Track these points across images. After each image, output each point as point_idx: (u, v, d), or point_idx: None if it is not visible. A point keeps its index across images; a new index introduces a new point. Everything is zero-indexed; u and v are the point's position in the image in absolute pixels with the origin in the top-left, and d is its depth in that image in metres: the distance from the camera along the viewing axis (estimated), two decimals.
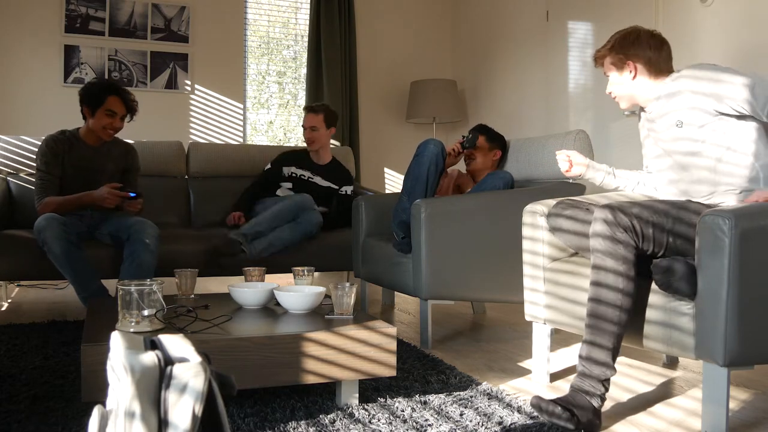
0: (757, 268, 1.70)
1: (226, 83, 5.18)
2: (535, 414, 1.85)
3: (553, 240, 2.26)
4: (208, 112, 5.13)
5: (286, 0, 5.47)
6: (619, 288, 1.81)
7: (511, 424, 1.79)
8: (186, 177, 4.27)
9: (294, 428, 1.74)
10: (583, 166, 2.39)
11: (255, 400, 1.95)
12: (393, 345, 1.92)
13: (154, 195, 3.93)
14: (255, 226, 3.52)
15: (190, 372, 0.94)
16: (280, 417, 1.81)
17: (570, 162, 2.38)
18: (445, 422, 1.80)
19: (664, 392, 2.19)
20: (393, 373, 1.93)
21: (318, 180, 4.00)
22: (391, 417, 1.83)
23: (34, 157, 3.46)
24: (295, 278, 2.53)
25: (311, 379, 1.85)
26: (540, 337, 2.30)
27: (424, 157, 2.94)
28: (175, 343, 1.02)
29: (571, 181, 3.01)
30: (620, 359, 2.57)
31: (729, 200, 2.01)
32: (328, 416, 1.83)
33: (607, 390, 1.82)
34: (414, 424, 1.78)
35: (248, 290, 2.17)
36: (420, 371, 2.31)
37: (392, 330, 1.92)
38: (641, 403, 2.06)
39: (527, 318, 2.33)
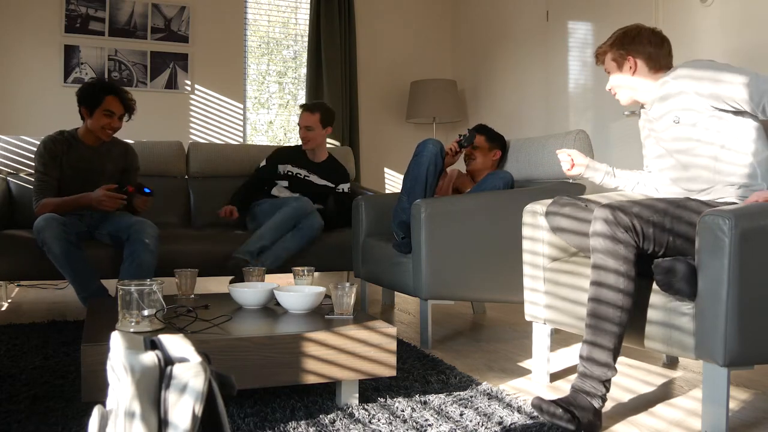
0: (757, 268, 1.70)
1: (226, 83, 5.18)
2: (535, 414, 1.85)
3: (553, 240, 2.26)
4: (208, 112, 5.13)
5: (286, 0, 5.47)
6: (620, 288, 1.81)
7: (511, 424, 1.79)
8: (186, 177, 4.27)
9: (294, 428, 1.74)
10: (584, 165, 2.40)
11: (255, 400, 1.95)
12: (393, 345, 1.92)
13: (154, 195, 3.92)
14: (258, 241, 3.48)
15: (190, 372, 0.94)
16: (280, 417, 1.81)
17: (571, 161, 2.38)
18: (445, 422, 1.80)
19: (664, 392, 2.19)
20: (393, 373, 1.93)
21: (314, 178, 3.98)
22: (391, 417, 1.83)
23: (33, 157, 3.47)
24: (295, 278, 2.53)
25: (311, 379, 1.85)
26: (540, 337, 2.30)
27: (423, 157, 2.94)
28: (175, 343, 1.02)
29: (571, 181, 3.01)
30: (620, 359, 2.57)
31: (728, 195, 2.01)
32: (328, 416, 1.83)
33: (607, 390, 1.82)
34: (414, 424, 1.78)
35: (248, 290, 2.17)
36: (420, 371, 2.31)
37: (392, 330, 1.92)
38: (641, 404, 2.06)
39: (527, 318, 2.33)
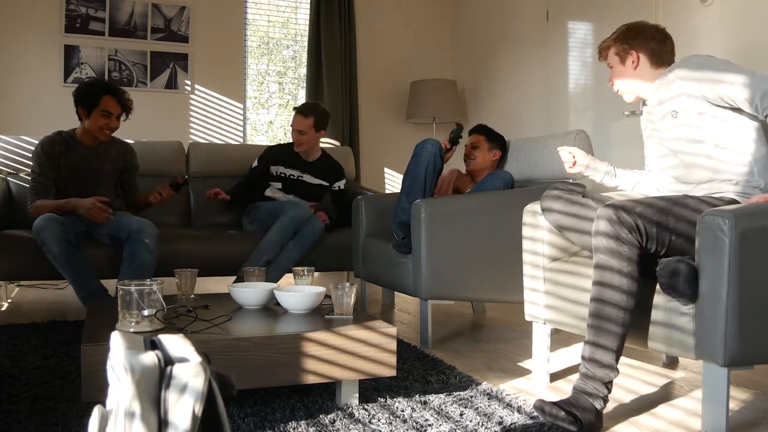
0: (757, 268, 1.70)
1: (226, 83, 5.18)
2: (535, 414, 1.85)
3: (554, 240, 2.26)
4: (208, 112, 5.13)
5: (286, 0, 5.47)
6: (623, 288, 1.80)
7: (511, 424, 1.79)
8: (186, 177, 4.27)
9: (294, 428, 1.74)
10: (584, 165, 2.39)
11: (255, 400, 1.95)
12: (393, 345, 1.92)
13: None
14: (262, 256, 3.46)
15: (190, 372, 0.94)
16: (280, 417, 1.81)
17: (573, 158, 2.38)
18: (445, 422, 1.80)
19: (664, 392, 2.19)
20: (393, 373, 1.93)
21: (307, 178, 3.91)
22: (391, 417, 1.83)
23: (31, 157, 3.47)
24: (295, 278, 2.53)
25: (311, 379, 1.85)
26: (540, 337, 2.30)
27: (422, 157, 2.94)
28: (175, 343, 1.02)
29: (571, 181, 3.01)
30: (620, 359, 2.56)
31: (726, 192, 2.01)
32: (328, 416, 1.82)
33: (609, 392, 1.81)
34: (414, 424, 1.78)
35: (248, 290, 2.17)
36: (420, 371, 2.31)
37: (392, 330, 1.92)
38: (641, 404, 2.06)
39: (527, 318, 2.33)
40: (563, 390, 2.19)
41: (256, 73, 5.44)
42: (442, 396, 2.02)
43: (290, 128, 3.95)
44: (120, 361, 0.93)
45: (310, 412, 1.86)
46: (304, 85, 5.45)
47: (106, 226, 3.26)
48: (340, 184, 4.01)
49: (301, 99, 5.51)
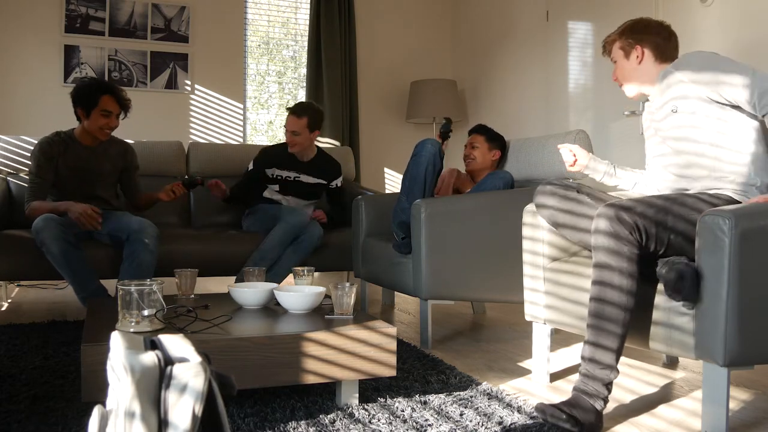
0: (757, 268, 1.70)
1: (226, 83, 5.18)
2: (536, 414, 1.84)
3: (553, 240, 2.26)
4: (208, 112, 5.13)
5: (286, 0, 5.47)
6: (623, 288, 1.79)
7: (511, 424, 1.79)
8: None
9: (294, 428, 1.74)
10: (583, 166, 2.40)
11: (255, 400, 1.95)
12: (393, 345, 1.92)
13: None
14: (261, 263, 3.45)
15: (190, 372, 0.94)
16: (280, 417, 1.81)
17: (573, 156, 2.38)
18: (445, 422, 1.80)
19: (664, 393, 2.19)
20: (393, 373, 1.93)
21: (304, 178, 3.85)
22: (391, 417, 1.83)
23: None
24: (295, 278, 2.53)
25: (311, 379, 1.85)
26: (540, 337, 2.30)
27: (421, 157, 2.94)
28: (175, 343, 1.02)
29: (571, 180, 3.01)
30: (620, 359, 2.56)
31: (724, 189, 2.01)
32: (328, 416, 1.82)
33: (609, 392, 1.81)
34: (414, 424, 1.78)
35: (248, 290, 2.17)
36: (420, 371, 2.31)
37: (392, 330, 1.92)
38: (641, 404, 2.06)
39: (527, 318, 2.33)
40: (563, 390, 2.19)
41: (256, 73, 5.44)
42: (442, 396, 2.02)
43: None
44: (120, 361, 0.93)
45: (310, 412, 1.86)
46: (304, 85, 5.45)
47: (105, 226, 3.25)
48: (338, 182, 3.98)
49: (301, 99, 5.50)
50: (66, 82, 4.73)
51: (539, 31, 4.64)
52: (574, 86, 4.32)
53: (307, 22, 5.38)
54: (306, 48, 5.41)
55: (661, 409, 2.01)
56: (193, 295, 2.43)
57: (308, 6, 5.38)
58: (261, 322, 2.00)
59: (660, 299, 1.84)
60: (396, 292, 3.97)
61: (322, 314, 2.10)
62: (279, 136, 5.52)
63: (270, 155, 3.89)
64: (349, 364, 1.87)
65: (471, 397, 2.02)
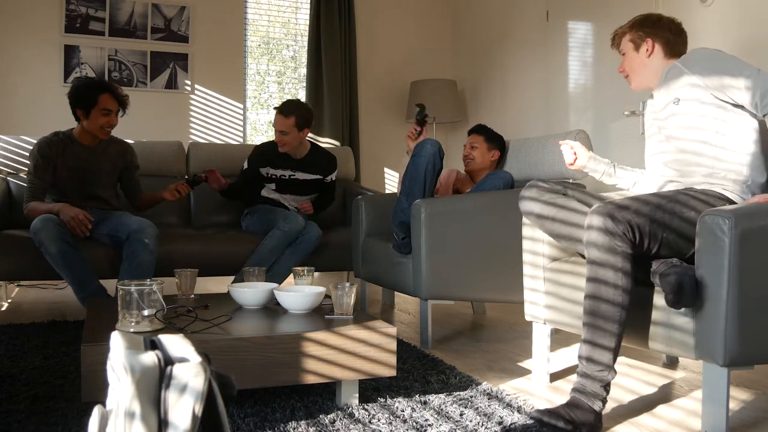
0: (757, 268, 1.70)
1: (226, 83, 5.18)
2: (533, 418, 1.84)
3: (554, 240, 2.26)
4: (208, 112, 5.13)
5: (286, 0, 5.47)
6: (618, 285, 1.78)
7: (511, 424, 1.79)
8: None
9: (294, 428, 1.74)
10: (583, 166, 2.39)
11: (255, 400, 1.95)
12: (393, 345, 1.92)
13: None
14: (259, 266, 3.44)
15: (190, 372, 0.94)
16: (280, 417, 1.81)
17: (574, 154, 2.38)
18: (445, 422, 1.80)
19: (664, 393, 2.19)
20: (393, 373, 1.93)
21: (299, 175, 3.82)
22: (391, 417, 1.83)
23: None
24: (295, 278, 2.53)
25: (311, 379, 1.85)
26: (540, 337, 2.30)
27: (421, 157, 2.94)
28: (175, 343, 1.02)
29: (571, 180, 3.01)
30: (620, 359, 2.57)
31: (720, 187, 2.01)
32: (328, 416, 1.82)
33: (608, 393, 1.81)
34: (414, 424, 1.78)
35: (248, 290, 2.17)
36: (420, 371, 2.31)
37: (392, 330, 1.92)
38: (641, 404, 2.06)
39: (527, 318, 2.33)
40: (563, 390, 2.19)
41: (256, 73, 5.44)
42: (442, 396, 2.02)
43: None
44: (120, 361, 0.93)
45: (310, 412, 1.86)
46: (304, 85, 5.45)
47: (105, 225, 3.25)
48: (333, 176, 3.96)
49: (301, 99, 5.49)
50: (66, 82, 4.73)
51: (539, 31, 4.64)
52: (574, 86, 4.32)
53: (307, 22, 5.38)
54: (306, 48, 5.41)
55: (661, 409, 2.01)
56: (193, 295, 2.43)
57: (308, 6, 5.38)
58: (261, 322, 2.00)
59: (660, 299, 1.84)
60: (396, 292, 3.97)
61: (322, 314, 2.10)
62: None
63: (263, 154, 3.84)
64: (349, 364, 1.87)
65: (471, 397, 2.02)
